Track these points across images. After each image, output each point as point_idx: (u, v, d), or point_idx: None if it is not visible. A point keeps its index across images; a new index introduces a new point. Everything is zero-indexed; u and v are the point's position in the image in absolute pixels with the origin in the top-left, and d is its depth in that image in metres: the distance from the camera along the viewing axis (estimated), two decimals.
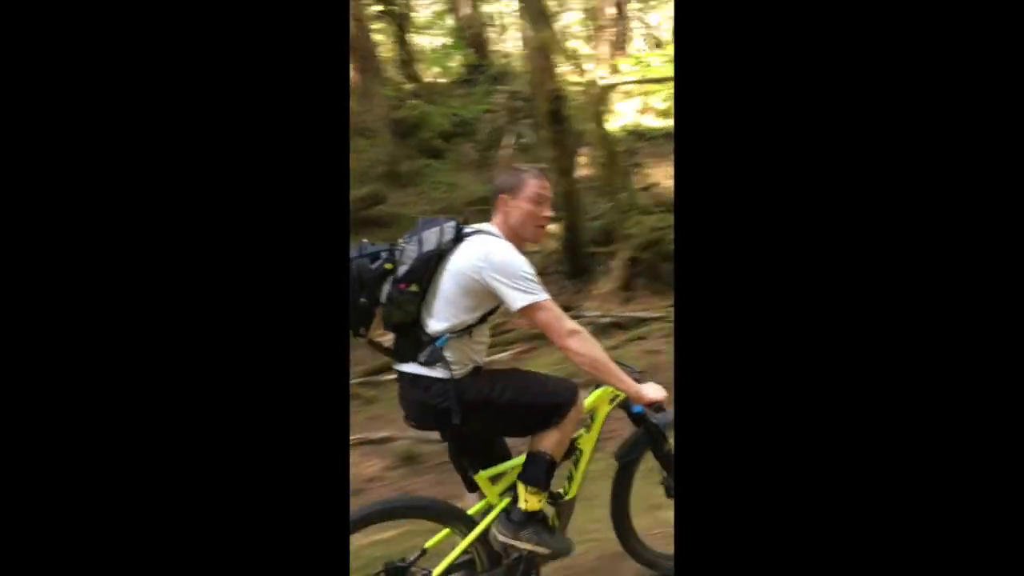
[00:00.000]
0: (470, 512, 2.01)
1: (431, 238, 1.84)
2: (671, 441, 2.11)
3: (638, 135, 8.55)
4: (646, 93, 9.45)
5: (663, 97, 9.28)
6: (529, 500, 1.91)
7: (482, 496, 2.02)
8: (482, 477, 1.98)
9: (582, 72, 10.48)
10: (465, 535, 1.95)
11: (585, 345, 1.76)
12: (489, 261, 1.76)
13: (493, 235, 1.87)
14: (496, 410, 1.85)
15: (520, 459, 1.98)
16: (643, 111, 9.19)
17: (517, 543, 1.91)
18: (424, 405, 1.86)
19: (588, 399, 2.05)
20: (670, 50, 10.83)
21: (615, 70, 10.30)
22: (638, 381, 1.87)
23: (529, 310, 1.74)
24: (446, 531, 1.99)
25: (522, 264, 1.78)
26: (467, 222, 1.95)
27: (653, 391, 1.84)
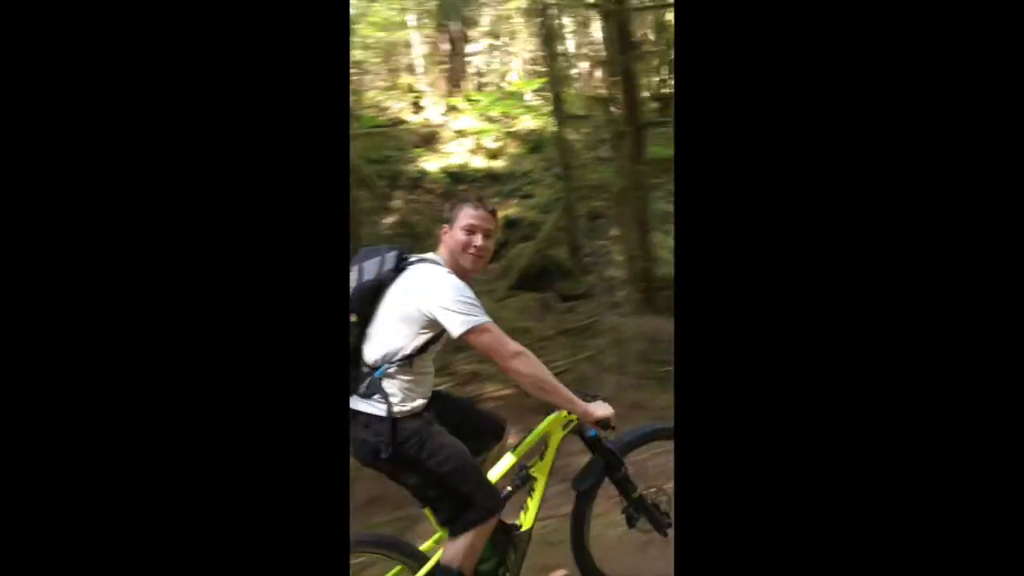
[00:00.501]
0: (423, 548, 1.97)
1: (371, 268, 1.83)
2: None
3: (459, 177, 7.95)
4: (480, 132, 8.94)
5: (494, 137, 8.79)
6: None
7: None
8: (429, 511, 1.92)
9: (417, 110, 9.93)
10: (416, 571, 1.90)
11: (529, 365, 1.75)
12: (427, 288, 1.76)
13: (435, 263, 1.86)
14: (422, 473, 1.81)
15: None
16: (475, 151, 8.65)
17: None
18: (364, 443, 1.80)
19: (541, 425, 2.05)
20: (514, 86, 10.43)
21: (452, 109, 9.78)
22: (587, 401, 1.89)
23: (471, 334, 1.70)
24: (398, 568, 1.93)
25: (461, 289, 1.75)
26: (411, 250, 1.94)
27: (601, 409, 1.87)
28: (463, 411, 2.11)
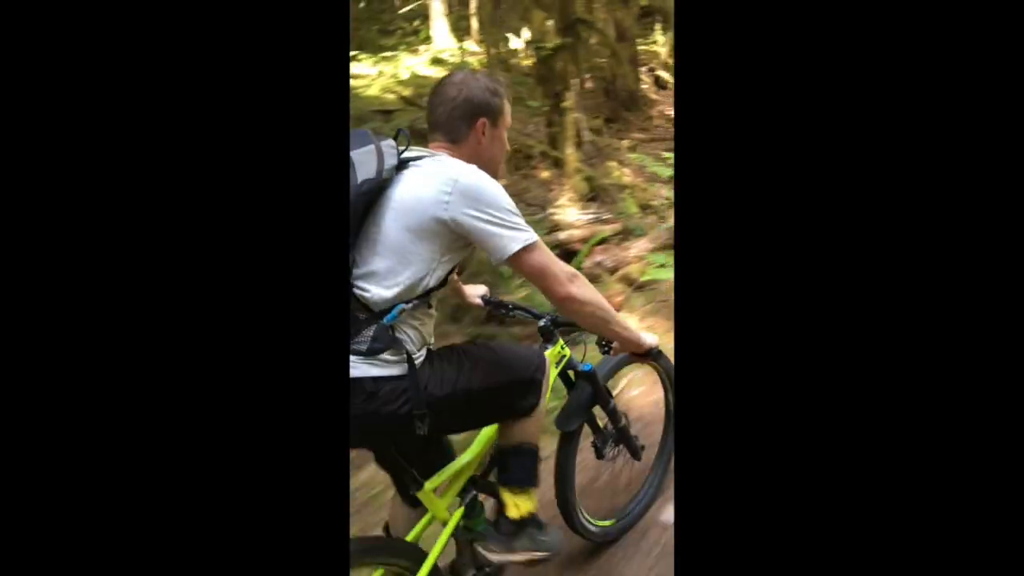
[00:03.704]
0: (409, 537, 1.52)
1: (367, 162, 1.27)
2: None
3: None
4: None
5: None
6: (520, 504, 1.56)
7: (421, 514, 1.55)
8: (426, 491, 1.50)
9: None
10: (415, 572, 1.44)
11: (589, 290, 1.37)
12: (461, 191, 1.27)
13: (452, 160, 1.36)
14: (466, 401, 1.40)
15: (465, 458, 1.60)
16: None
17: (514, 557, 1.57)
18: (371, 418, 1.29)
19: None
20: None
21: None
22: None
23: (523, 253, 1.28)
24: (379, 572, 1.45)
25: (506, 195, 1.31)
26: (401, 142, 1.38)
27: (651, 338, 1.66)
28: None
